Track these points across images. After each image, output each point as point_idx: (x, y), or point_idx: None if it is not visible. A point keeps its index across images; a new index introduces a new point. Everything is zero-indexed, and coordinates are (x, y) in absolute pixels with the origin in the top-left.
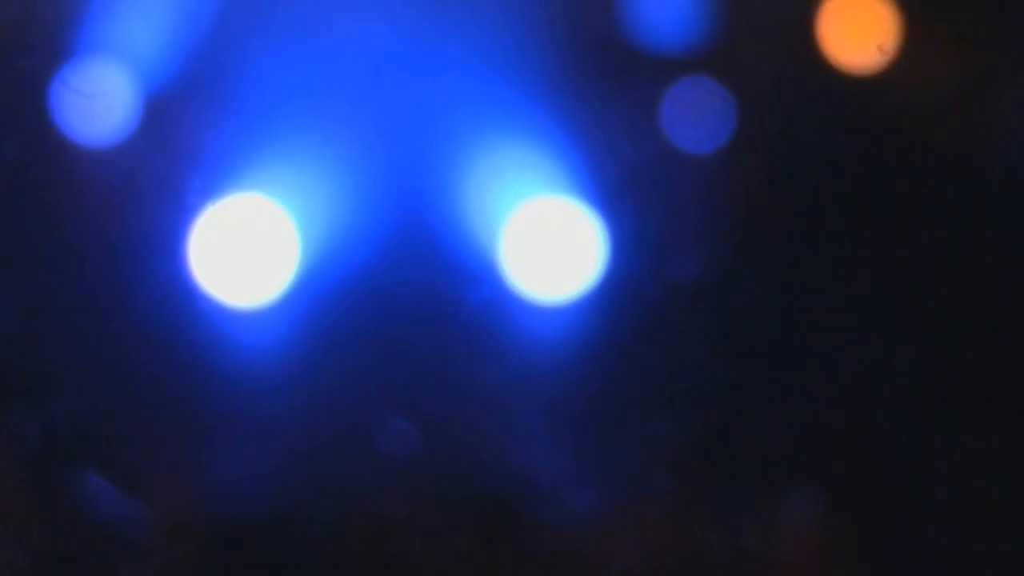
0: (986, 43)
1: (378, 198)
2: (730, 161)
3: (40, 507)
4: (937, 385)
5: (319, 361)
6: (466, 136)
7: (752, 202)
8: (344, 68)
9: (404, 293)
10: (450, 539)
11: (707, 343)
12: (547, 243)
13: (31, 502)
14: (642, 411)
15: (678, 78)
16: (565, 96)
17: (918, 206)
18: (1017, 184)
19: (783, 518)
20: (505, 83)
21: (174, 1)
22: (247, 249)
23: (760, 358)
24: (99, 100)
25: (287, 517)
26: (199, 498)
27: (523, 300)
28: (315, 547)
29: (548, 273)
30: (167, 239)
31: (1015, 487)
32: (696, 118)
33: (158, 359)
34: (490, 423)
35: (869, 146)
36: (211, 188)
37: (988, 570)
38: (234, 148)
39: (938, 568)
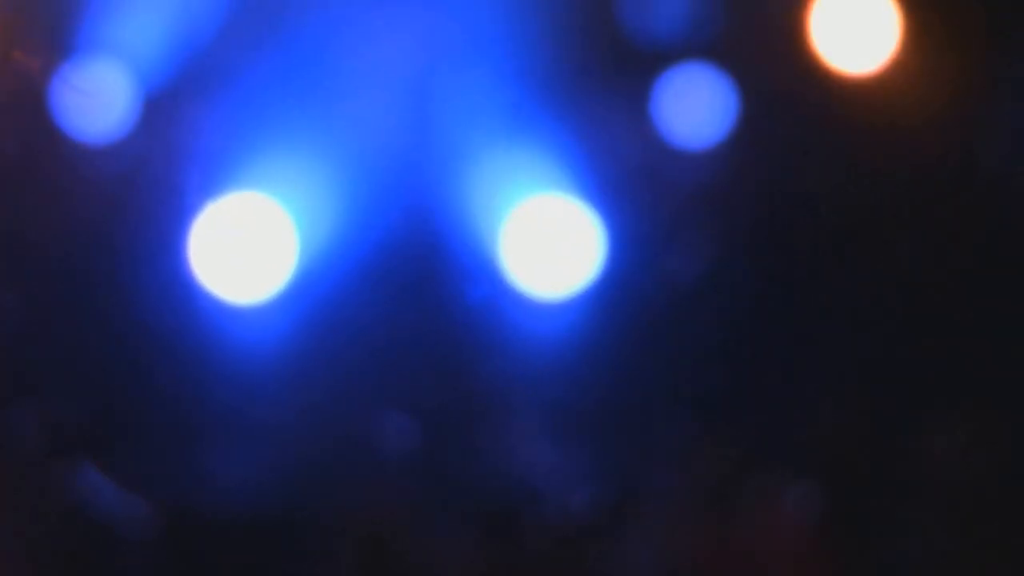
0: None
1: (376, 196)
2: (729, 158)
3: (42, 504)
4: (935, 382)
5: (318, 357)
6: (465, 133)
7: (751, 199)
8: (343, 67)
9: (403, 290)
10: (449, 538)
11: (707, 340)
12: (546, 241)
13: (33, 499)
14: (641, 409)
15: (677, 75)
16: (564, 94)
17: (915, 204)
18: (1013, 184)
19: (784, 516)
20: (504, 81)
21: (173, 0)
22: (246, 246)
23: (760, 355)
24: (99, 98)
25: (286, 513)
26: (199, 494)
27: (522, 298)
28: (314, 544)
29: (547, 271)
30: (166, 236)
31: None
32: (695, 115)
33: (157, 355)
34: (489, 421)
35: (867, 144)
36: (210, 186)
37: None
38: (233, 146)
39: (937, 566)
